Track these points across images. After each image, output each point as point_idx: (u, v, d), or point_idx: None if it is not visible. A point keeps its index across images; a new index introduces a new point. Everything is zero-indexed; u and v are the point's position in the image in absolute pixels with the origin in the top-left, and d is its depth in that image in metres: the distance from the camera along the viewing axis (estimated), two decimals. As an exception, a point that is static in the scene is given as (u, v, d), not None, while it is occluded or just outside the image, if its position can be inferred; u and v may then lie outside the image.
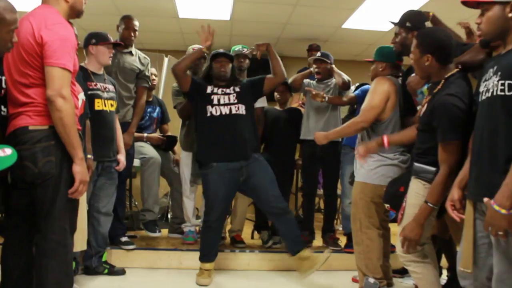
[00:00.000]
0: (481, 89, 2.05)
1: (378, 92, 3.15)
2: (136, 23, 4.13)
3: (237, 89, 3.71)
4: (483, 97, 2.02)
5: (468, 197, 2.12)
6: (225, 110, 3.61)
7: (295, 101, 5.41)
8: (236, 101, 3.65)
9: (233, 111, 3.61)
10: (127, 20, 4.13)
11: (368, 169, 3.18)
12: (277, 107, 4.70)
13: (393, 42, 3.04)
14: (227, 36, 6.81)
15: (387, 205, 2.90)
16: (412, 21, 2.96)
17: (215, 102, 3.64)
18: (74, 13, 2.39)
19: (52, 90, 2.14)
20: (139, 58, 4.20)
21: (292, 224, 3.64)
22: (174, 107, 4.45)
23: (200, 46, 4.44)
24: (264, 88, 3.80)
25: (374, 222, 3.19)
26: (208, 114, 3.63)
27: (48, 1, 2.31)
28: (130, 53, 4.14)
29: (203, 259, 3.68)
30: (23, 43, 2.17)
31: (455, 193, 2.24)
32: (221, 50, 3.80)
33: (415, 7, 5.25)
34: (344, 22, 6.06)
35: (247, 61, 4.30)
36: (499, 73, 1.92)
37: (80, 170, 2.23)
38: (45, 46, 2.15)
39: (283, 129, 4.55)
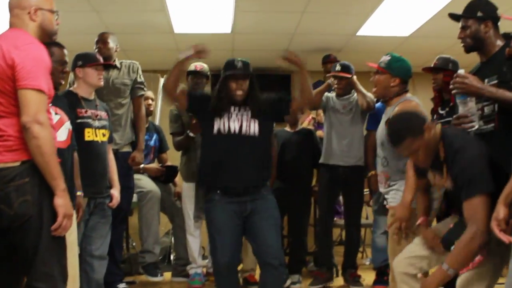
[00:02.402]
0: None
1: None
2: (109, 38, 4.15)
3: (253, 106, 3.35)
4: None
5: None
6: (234, 126, 3.27)
7: (304, 119, 5.38)
8: (248, 119, 3.31)
9: (244, 130, 3.27)
10: (99, 34, 4.18)
11: None
12: (288, 129, 4.68)
13: (461, 37, 2.93)
14: (229, 51, 6.83)
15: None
16: (484, 10, 2.82)
17: (225, 116, 3.32)
18: (45, 34, 2.39)
19: (27, 115, 2.11)
20: (127, 68, 4.23)
21: (278, 283, 3.38)
22: (171, 134, 4.44)
23: (202, 64, 4.48)
24: (288, 113, 3.49)
25: None
26: (215, 132, 3.30)
27: (15, 24, 2.32)
28: (115, 67, 4.16)
29: None
30: None
31: (500, 211, 2.18)
32: (238, 63, 3.35)
33: (437, 8, 5.25)
34: (359, 29, 6.05)
35: None
36: None
37: (63, 202, 2.20)
38: (17, 67, 2.14)
39: (295, 152, 4.52)
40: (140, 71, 4.30)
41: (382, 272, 4.15)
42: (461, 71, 2.73)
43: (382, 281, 4.12)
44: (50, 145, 2.16)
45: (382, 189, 3.37)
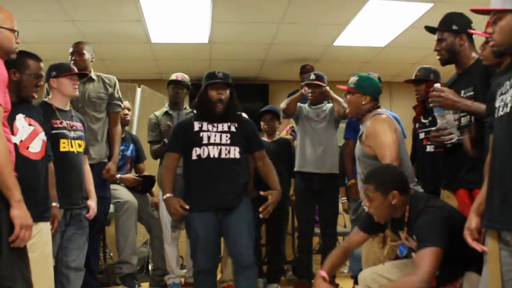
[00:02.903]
0: (497, 104, 2.05)
1: (386, 130, 3.14)
2: (84, 48, 4.10)
3: (233, 128, 3.48)
4: (501, 113, 2.02)
5: (490, 226, 2.09)
6: (213, 152, 3.38)
7: (283, 128, 5.40)
8: (229, 141, 3.42)
9: (223, 155, 3.39)
10: (73, 45, 4.11)
11: None
12: (265, 138, 4.68)
13: (437, 49, 3.00)
14: (206, 61, 6.84)
15: None
16: (458, 23, 2.91)
17: (205, 141, 3.40)
18: (3, 52, 2.37)
19: None
20: (103, 82, 4.18)
21: (251, 281, 3.46)
22: (149, 142, 4.43)
23: (183, 75, 4.49)
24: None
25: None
26: (194, 157, 3.40)
27: None
28: (91, 79, 4.12)
29: None
30: None
31: (472, 221, 2.22)
32: (219, 74, 3.47)
33: (412, 19, 5.33)
34: (336, 39, 6.12)
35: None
36: None
37: (19, 213, 2.17)
38: None
39: (273, 162, 4.50)
40: (117, 86, 4.25)
41: (360, 280, 4.18)
42: (437, 85, 2.78)
43: (360, 289, 4.14)
44: (4, 156, 2.13)
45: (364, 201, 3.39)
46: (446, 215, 2.49)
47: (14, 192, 2.17)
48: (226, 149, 3.40)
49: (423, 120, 3.78)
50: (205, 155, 3.39)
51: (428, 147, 3.68)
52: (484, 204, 2.14)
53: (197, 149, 3.39)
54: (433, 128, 2.90)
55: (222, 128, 3.45)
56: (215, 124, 3.45)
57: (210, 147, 3.39)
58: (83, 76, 3.73)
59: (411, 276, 2.41)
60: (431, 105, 2.81)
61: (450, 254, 2.43)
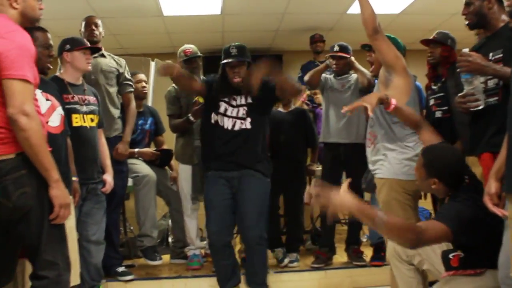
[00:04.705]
0: None
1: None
2: (98, 21, 4.09)
3: (250, 99, 3.62)
4: None
5: (510, 191, 2.07)
6: (228, 124, 3.59)
7: (299, 98, 5.37)
8: (244, 115, 3.60)
9: (237, 127, 3.59)
10: (85, 18, 4.10)
11: (394, 163, 3.13)
12: (281, 109, 4.67)
13: (465, 13, 2.94)
14: (219, 33, 6.80)
15: None
16: None
17: (221, 110, 3.61)
18: (27, 20, 2.34)
19: (13, 107, 2.07)
20: (113, 59, 4.18)
21: (260, 260, 3.59)
22: (168, 116, 4.44)
23: (189, 46, 4.44)
24: (276, 94, 3.64)
25: None
26: (213, 121, 3.64)
27: None
28: (103, 55, 4.11)
29: (219, 285, 3.67)
30: None
31: (492, 186, 2.21)
32: (233, 50, 3.54)
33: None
34: (350, 7, 6.03)
35: None
36: None
37: (57, 193, 2.21)
38: (1, 57, 2.07)
39: (289, 133, 4.52)
40: (127, 68, 4.26)
41: (379, 248, 4.20)
42: (465, 50, 2.72)
43: (379, 257, 4.17)
44: (39, 136, 2.13)
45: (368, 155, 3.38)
46: (474, 206, 2.40)
47: (51, 172, 2.18)
48: (240, 122, 3.58)
49: (433, 87, 3.73)
50: (221, 124, 3.59)
51: (436, 112, 3.66)
52: (504, 168, 2.13)
53: (214, 115, 3.61)
54: (459, 95, 2.84)
55: (241, 101, 3.62)
56: (235, 97, 3.61)
57: (226, 119, 3.59)
58: (95, 51, 3.73)
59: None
60: (458, 70, 2.76)
61: (476, 244, 2.42)
